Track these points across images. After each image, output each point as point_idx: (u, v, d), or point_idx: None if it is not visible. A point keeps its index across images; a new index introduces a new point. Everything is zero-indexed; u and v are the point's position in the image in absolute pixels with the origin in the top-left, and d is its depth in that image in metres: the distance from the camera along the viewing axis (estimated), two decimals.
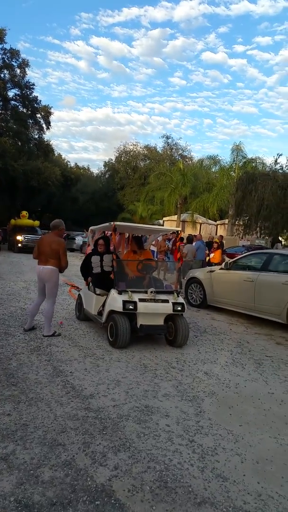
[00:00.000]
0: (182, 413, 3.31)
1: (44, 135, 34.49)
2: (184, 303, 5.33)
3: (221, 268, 7.98)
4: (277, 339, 6.27)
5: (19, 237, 21.02)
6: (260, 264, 7.21)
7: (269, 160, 32.86)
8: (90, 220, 42.12)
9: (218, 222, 27.63)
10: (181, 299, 5.34)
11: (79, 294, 6.77)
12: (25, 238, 21.16)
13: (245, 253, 9.45)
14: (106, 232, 6.87)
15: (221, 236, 16.41)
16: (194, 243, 11.71)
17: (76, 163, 53.05)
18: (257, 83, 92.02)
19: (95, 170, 53.18)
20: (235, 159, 21.88)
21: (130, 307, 4.93)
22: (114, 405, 3.36)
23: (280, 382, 4.29)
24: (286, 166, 17.43)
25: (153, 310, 5.11)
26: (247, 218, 17.46)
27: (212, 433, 3.02)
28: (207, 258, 11.80)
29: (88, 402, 3.37)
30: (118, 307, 4.95)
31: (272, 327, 6.94)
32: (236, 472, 2.53)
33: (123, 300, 4.93)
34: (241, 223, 18.62)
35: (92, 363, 4.41)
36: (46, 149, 34.74)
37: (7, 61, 29.36)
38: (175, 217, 25.47)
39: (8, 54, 29.19)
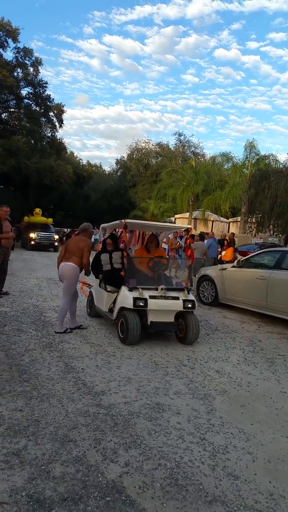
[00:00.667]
0: (193, 411, 3.30)
1: (56, 133, 34.71)
2: (195, 300, 5.31)
3: (233, 266, 7.92)
4: None
5: (32, 235, 20.96)
6: (273, 262, 7.13)
7: (282, 157, 32.49)
8: (102, 217, 42.26)
9: (230, 219, 27.42)
10: (191, 296, 5.31)
11: (90, 291, 6.77)
12: (38, 236, 21.10)
13: (257, 251, 9.36)
14: (117, 229, 6.85)
15: (233, 234, 16.28)
16: (205, 241, 11.64)
17: (88, 161, 53.38)
18: (271, 80, 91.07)
19: (107, 168, 53.29)
20: (248, 156, 21.69)
21: (141, 304, 4.93)
22: (125, 402, 3.37)
23: None
24: None
25: (163, 307, 5.09)
26: (260, 215, 17.27)
27: (224, 431, 3.00)
28: (219, 256, 11.73)
29: (100, 399, 3.39)
30: (129, 304, 4.95)
31: (285, 326, 6.86)
32: (247, 471, 2.51)
33: (133, 297, 4.94)
34: (253, 220, 18.43)
35: (103, 360, 4.42)
36: (58, 147, 34.93)
37: (20, 59, 29.57)
38: (187, 215, 25.35)
39: (21, 53, 29.39)
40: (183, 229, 7.87)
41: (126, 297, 5.06)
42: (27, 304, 6.94)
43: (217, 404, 3.47)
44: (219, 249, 12.11)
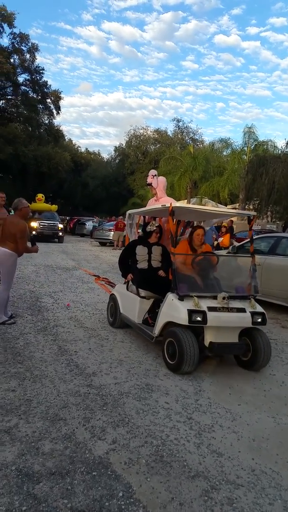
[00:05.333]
0: (182, 391, 3.37)
1: (54, 120, 34.44)
2: (264, 312, 4.05)
3: (228, 252, 7.94)
4: (283, 322, 6.27)
5: (33, 224, 18.19)
6: (267, 248, 7.17)
7: (280, 143, 32.24)
8: (101, 205, 42.25)
9: (228, 206, 27.31)
10: (259, 307, 4.05)
11: (112, 294, 5.45)
12: (40, 225, 18.66)
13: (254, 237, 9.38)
14: (148, 217, 5.54)
15: (231, 221, 16.25)
16: None
17: (86, 148, 52.80)
18: (271, 66, 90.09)
19: (105, 155, 52.89)
20: (247, 142, 21.48)
21: (198, 318, 3.66)
22: (115, 382, 3.44)
23: (282, 365, 4.32)
24: None
25: (227, 322, 3.81)
26: (257, 202, 17.23)
27: (211, 411, 3.07)
28: (215, 243, 11.76)
29: (91, 380, 3.46)
30: (182, 318, 3.67)
31: (279, 311, 6.92)
32: (231, 449, 2.58)
33: (188, 310, 3.67)
34: (251, 207, 18.39)
35: (96, 343, 4.49)
36: (56, 134, 34.65)
37: (16, 45, 29.17)
38: (185, 202, 25.27)
39: (17, 39, 28.97)
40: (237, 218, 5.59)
41: (176, 308, 3.77)
42: (24, 290, 6.99)
43: (206, 385, 3.54)
44: (215, 236, 12.13)
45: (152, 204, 5.47)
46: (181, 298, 3.81)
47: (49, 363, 3.79)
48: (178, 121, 40.09)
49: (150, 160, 37.44)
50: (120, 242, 18.26)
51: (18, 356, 3.90)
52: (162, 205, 4.35)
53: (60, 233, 19.45)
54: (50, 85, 32.04)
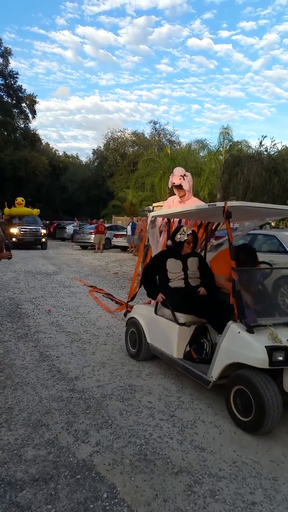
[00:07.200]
0: (165, 390, 3.41)
1: (30, 124, 34.19)
2: None
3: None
4: None
5: (13, 230, 16.98)
6: None
7: (254, 143, 32.90)
8: (81, 208, 42.00)
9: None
10: None
11: (131, 318, 4.30)
12: (20, 231, 17.43)
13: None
14: (173, 220, 4.72)
15: None
16: None
17: (64, 152, 52.49)
18: (243, 68, 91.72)
19: (84, 159, 52.69)
20: (222, 142, 21.85)
21: (280, 358, 2.66)
22: (98, 385, 3.44)
23: None
24: (271, 148, 17.49)
25: None
26: (234, 200, 17.57)
27: (193, 407, 3.11)
28: None
29: (73, 384, 3.45)
30: (259, 359, 2.68)
31: None
32: (213, 443, 2.63)
33: (267, 347, 2.67)
34: None
35: (78, 347, 4.47)
36: (32, 138, 34.41)
37: None
38: (163, 203, 25.41)
39: None
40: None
41: (247, 345, 2.79)
42: (3, 297, 6.89)
43: (188, 383, 3.58)
44: None
45: (174, 206, 4.72)
46: (250, 330, 2.84)
47: (30, 369, 3.75)
48: (155, 123, 40.37)
49: (128, 162, 37.54)
50: (101, 245, 18.22)
51: None
52: (209, 205, 3.41)
53: (43, 239, 18.09)
54: (25, 90, 31.96)
